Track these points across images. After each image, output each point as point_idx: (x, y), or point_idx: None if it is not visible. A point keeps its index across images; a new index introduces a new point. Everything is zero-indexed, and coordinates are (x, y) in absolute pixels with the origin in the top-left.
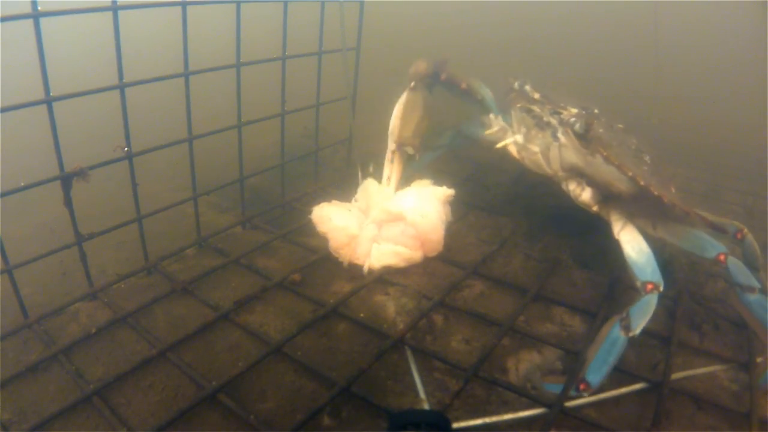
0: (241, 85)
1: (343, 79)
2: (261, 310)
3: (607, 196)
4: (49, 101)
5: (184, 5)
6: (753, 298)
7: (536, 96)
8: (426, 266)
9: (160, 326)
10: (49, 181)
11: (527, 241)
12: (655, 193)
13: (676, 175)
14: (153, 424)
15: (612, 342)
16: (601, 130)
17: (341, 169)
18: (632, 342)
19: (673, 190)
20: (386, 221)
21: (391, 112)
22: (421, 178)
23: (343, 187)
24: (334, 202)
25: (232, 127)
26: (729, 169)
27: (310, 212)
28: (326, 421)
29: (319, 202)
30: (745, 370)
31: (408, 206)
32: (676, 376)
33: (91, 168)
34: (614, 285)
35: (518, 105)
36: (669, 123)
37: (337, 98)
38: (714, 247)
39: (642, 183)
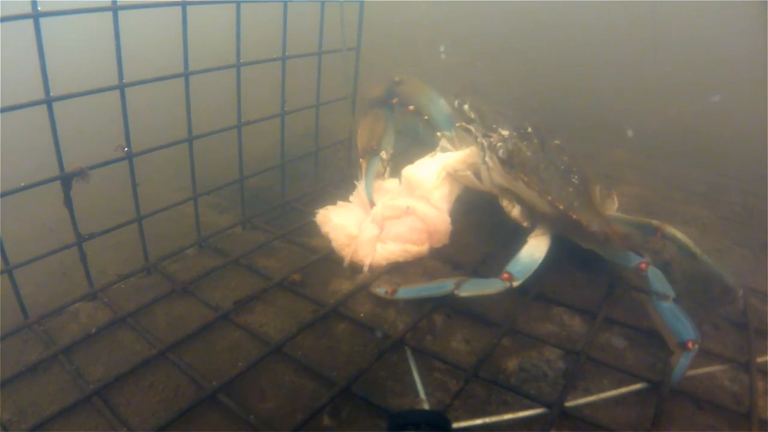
0: (241, 85)
1: (343, 79)
2: (261, 310)
3: (534, 214)
4: (49, 101)
5: (184, 5)
6: (666, 305)
7: (472, 116)
8: (426, 266)
9: (160, 326)
10: (49, 181)
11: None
12: (574, 216)
13: (612, 192)
14: (153, 424)
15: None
16: (528, 154)
17: (341, 169)
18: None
19: (615, 206)
20: (391, 218)
21: None
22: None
23: (343, 187)
24: (339, 203)
25: (232, 128)
26: (729, 169)
27: (310, 212)
28: (326, 421)
29: (319, 202)
30: (745, 370)
31: (417, 199)
32: None
33: (91, 168)
34: (614, 285)
35: (457, 124)
36: (669, 124)
37: (337, 98)
38: (636, 257)
39: (561, 207)
